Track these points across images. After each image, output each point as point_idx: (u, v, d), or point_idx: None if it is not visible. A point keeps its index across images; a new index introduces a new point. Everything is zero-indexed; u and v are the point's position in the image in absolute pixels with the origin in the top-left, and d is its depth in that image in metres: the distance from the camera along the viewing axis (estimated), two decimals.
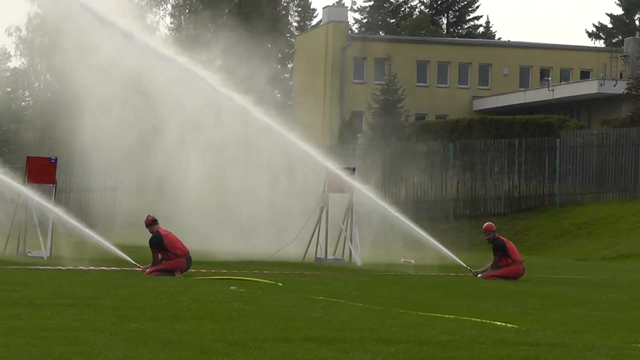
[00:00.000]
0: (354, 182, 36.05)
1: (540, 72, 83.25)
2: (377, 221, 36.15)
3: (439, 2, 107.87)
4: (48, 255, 30.82)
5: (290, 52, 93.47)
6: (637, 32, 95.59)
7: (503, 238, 29.63)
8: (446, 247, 33.63)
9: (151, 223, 26.46)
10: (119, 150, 40.16)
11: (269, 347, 13.03)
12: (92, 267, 28.21)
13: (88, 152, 39.85)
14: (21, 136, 39.51)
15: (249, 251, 35.64)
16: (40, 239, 31.60)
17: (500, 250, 28.43)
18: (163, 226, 26.94)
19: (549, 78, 79.03)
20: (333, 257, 34.60)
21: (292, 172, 41.96)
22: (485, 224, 30.56)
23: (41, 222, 31.98)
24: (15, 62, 76.76)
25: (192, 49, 39.92)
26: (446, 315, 18.35)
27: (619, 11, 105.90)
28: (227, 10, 79.93)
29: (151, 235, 26.42)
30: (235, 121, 37.58)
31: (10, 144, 40.09)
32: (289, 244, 34.62)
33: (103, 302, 18.60)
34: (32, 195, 31.20)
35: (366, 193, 36.13)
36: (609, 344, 14.37)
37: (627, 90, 64.33)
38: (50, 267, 28.32)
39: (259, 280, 25.52)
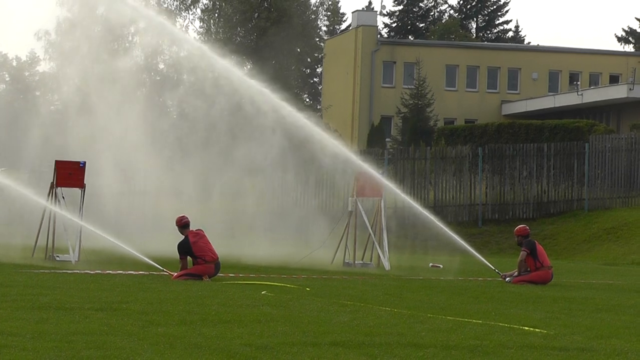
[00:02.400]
0: (390, 185, 36.46)
1: (570, 77, 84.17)
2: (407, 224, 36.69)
3: (468, 7, 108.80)
4: (76, 260, 30.74)
5: (320, 56, 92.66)
6: None
7: (534, 240, 29.48)
8: (475, 250, 33.73)
9: (182, 225, 26.35)
10: (150, 155, 40.88)
11: (296, 351, 12.98)
12: (120, 272, 28.11)
13: (119, 156, 40.26)
14: (50, 140, 39.67)
15: (278, 256, 35.07)
16: (69, 243, 31.31)
17: (529, 247, 28.34)
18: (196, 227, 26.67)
19: (578, 82, 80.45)
20: (361, 262, 34.37)
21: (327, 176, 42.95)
22: (519, 226, 30.51)
23: (70, 226, 31.62)
24: (45, 66, 78.00)
25: (222, 53, 40.41)
26: (474, 320, 18.31)
27: None
28: (256, 14, 79.36)
29: (182, 237, 26.22)
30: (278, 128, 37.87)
31: (38, 148, 40.40)
32: (318, 248, 34.46)
33: (131, 306, 18.54)
34: (56, 209, 31.08)
35: (402, 195, 37.47)
36: (637, 348, 14.44)
37: None
38: (78, 271, 28.09)
39: (286, 285, 25.28)
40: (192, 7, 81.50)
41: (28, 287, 22.04)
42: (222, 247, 28.10)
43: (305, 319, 17.60)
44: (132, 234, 34.21)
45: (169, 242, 28.51)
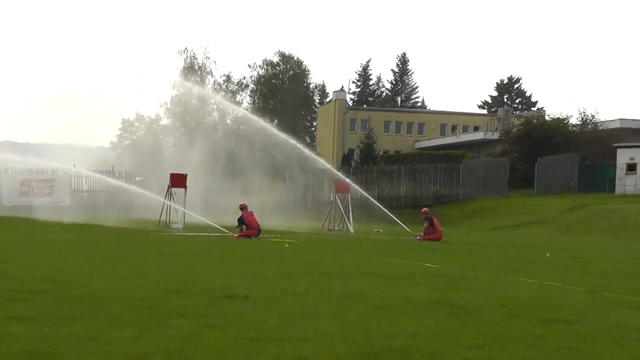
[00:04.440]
0: (354, 185, 48.66)
1: (452, 127, 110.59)
2: (363, 208, 48.64)
3: (396, 89, 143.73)
4: (182, 227, 39.65)
5: (315, 116, 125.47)
6: (505, 105, 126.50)
7: (433, 217, 37.92)
8: (400, 222, 43.39)
9: (241, 208, 34.74)
10: (220, 169, 56.66)
11: (302, 278, 16.82)
12: (205, 234, 35.34)
13: (204, 170, 52.53)
14: (168, 162, 50.72)
15: (292, 225, 44.99)
16: (177, 218, 40.92)
17: (429, 221, 36.81)
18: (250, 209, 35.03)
19: (457, 130, 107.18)
20: (338, 228, 44.78)
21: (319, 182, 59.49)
22: (424, 208, 41.76)
23: (178, 209, 41.04)
24: (164, 121, 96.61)
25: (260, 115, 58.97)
26: (399, 260, 23.40)
27: (495, 93, 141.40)
28: (280, 93, 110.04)
29: (240, 214, 34.29)
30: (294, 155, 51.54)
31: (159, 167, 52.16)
32: (323, 223, 45.65)
33: (210, 252, 24.07)
34: (168, 202, 40.96)
35: (359, 190, 49.61)
36: (489, 276, 18.69)
37: (499, 137, 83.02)
38: (182, 234, 35.30)
39: (294, 241, 31.51)
40: (244, 89, 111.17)
41: (156, 242, 28.55)
42: (261, 220, 35.57)
43: (306, 260, 22.26)
44: (212, 214, 42.52)
45: (232, 219, 36.31)
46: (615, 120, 76.70)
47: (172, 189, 41.33)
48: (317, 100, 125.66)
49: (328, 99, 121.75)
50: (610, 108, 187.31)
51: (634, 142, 62.79)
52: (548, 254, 27.86)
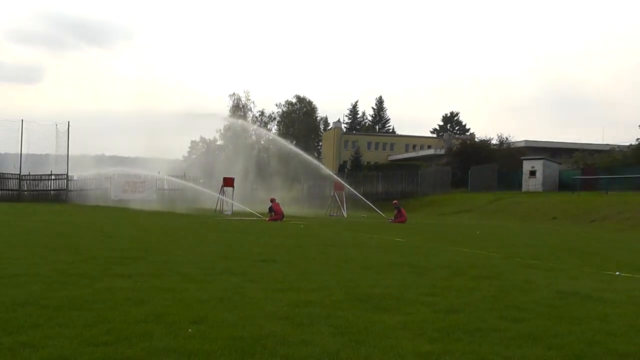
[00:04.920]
0: (346, 186, 48.74)
1: (413, 146, 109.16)
2: (353, 201, 48.71)
3: (375, 120, 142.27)
4: (230, 214, 39.24)
5: (320, 139, 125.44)
6: (448, 131, 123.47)
7: (400, 206, 38.23)
8: (378, 209, 44.72)
9: (271, 200, 35.45)
10: (255, 175, 57.12)
11: (310, 249, 16.71)
12: (247, 218, 35.54)
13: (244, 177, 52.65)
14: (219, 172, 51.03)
15: (304, 213, 44.53)
16: (228, 207, 40.57)
17: (398, 210, 37.15)
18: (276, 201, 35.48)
19: (416, 148, 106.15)
20: (336, 214, 44.51)
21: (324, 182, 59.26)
22: (394, 200, 42.15)
23: (228, 202, 40.73)
24: (219, 142, 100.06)
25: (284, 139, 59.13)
26: (375, 236, 24.12)
27: (441, 123, 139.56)
28: (297, 123, 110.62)
29: (270, 204, 35.05)
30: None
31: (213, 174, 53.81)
32: (326, 211, 45.73)
33: (250, 231, 24.37)
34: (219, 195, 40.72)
35: (351, 188, 49.67)
36: (439, 246, 18.83)
37: (444, 153, 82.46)
38: (231, 218, 35.80)
39: (306, 223, 32.41)
40: (272, 121, 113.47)
41: (213, 224, 28.93)
42: (284, 209, 35.95)
43: (314, 235, 22.98)
44: (250, 205, 41.84)
45: (264, 208, 37.17)
46: (522, 141, 76.81)
47: (224, 187, 41.26)
48: (322, 128, 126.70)
49: (329, 127, 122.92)
50: (519, 132, 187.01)
51: (534, 155, 62.90)
52: (478, 232, 27.90)
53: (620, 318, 8.12)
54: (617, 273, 13.09)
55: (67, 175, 58.76)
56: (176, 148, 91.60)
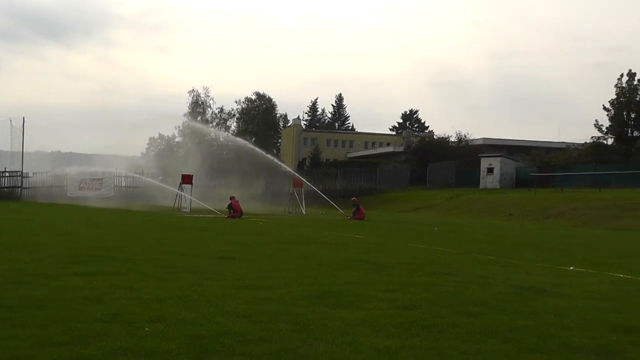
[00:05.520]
0: (306, 182, 49.48)
1: (372, 143, 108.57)
2: (312, 198, 49.35)
3: (335, 117, 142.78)
4: (189, 211, 39.12)
5: (279, 136, 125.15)
6: (408, 128, 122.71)
7: (359, 203, 38.65)
8: (337, 206, 45.45)
9: (230, 198, 35.04)
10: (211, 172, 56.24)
11: (269, 245, 17.04)
12: (206, 215, 35.85)
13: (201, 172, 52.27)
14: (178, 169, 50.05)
15: (263, 210, 44.14)
16: (186, 204, 40.43)
17: (356, 207, 37.42)
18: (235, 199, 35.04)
19: (375, 145, 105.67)
20: (295, 211, 44.22)
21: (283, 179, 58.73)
22: (353, 197, 42.04)
23: (187, 198, 40.44)
24: (178, 139, 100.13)
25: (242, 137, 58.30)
26: (335, 232, 24.39)
27: (401, 120, 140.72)
28: (256, 120, 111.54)
29: (229, 202, 34.71)
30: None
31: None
32: (286, 208, 45.09)
33: (210, 228, 25.20)
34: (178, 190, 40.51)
35: (310, 185, 50.41)
36: (397, 243, 19.73)
37: (403, 150, 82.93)
38: (190, 215, 36.01)
39: (265, 220, 32.18)
40: (232, 117, 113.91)
41: (172, 221, 29.06)
42: (243, 206, 35.85)
43: (273, 232, 23.57)
44: (209, 202, 41.75)
45: (223, 205, 36.82)
46: (480, 138, 77.56)
47: (183, 184, 41.03)
48: (281, 125, 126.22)
49: (289, 124, 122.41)
50: (477, 130, 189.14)
51: (492, 153, 63.63)
52: (436, 228, 28.24)
53: (574, 312, 8.27)
54: (571, 268, 13.41)
55: (22, 173, 58.06)
56: (134, 145, 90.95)
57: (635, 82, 64.73)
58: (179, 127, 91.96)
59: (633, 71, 65.26)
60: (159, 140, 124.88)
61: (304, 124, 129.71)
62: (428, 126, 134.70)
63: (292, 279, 10.30)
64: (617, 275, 12.49)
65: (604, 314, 8.22)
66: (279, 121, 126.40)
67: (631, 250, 19.61)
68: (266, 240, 18.60)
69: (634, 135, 63.72)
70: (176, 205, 40.81)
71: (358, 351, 6.00)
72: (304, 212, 43.11)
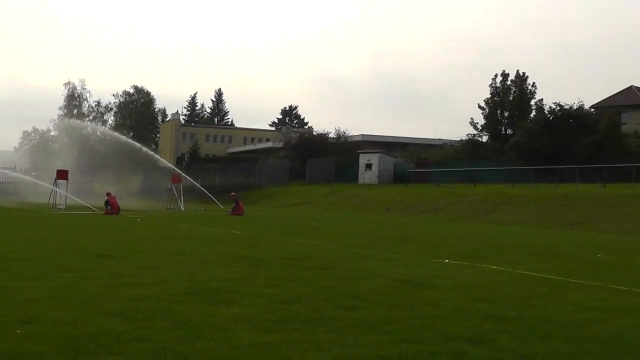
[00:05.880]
0: (186, 176, 48.78)
1: (252, 139, 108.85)
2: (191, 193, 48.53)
3: (214, 112, 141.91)
4: (64, 208, 37.48)
5: (158, 130, 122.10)
6: (287, 124, 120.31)
7: (238, 199, 38.55)
8: (217, 201, 44.88)
9: (107, 194, 34.63)
10: (87, 166, 54.67)
11: (147, 242, 17.85)
12: (84, 212, 34.68)
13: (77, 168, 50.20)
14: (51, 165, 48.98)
15: (140, 206, 42.35)
16: (62, 201, 38.92)
17: (235, 202, 37.37)
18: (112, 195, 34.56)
19: (254, 141, 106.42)
20: (173, 207, 43.72)
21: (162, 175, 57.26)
22: (232, 193, 42.51)
23: (62, 194, 39.12)
24: (53, 133, 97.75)
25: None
26: (212, 228, 24.98)
27: (280, 116, 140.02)
28: (134, 114, 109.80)
29: (106, 198, 34.37)
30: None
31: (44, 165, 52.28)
32: (163, 204, 44.79)
33: (89, 225, 27.07)
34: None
35: (190, 179, 49.39)
36: (275, 238, 19.95)
37: (283, 146, 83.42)
38: (65, 212, 35.03)
39: (142, 217, 31.43)
40: (109, 111, 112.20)
41: (47, 218, 28.69)
42: (121, 202, 35.78)
43: (151, 229, 23.77)
44: (85, 198, 39.57)
45: (100, 201, 36.12)
46: (359, 135, 79.00)
47: (58, 180, 39.85)
48: (160, 120, 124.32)
49: (167, 119, 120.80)
50: (356, 127, 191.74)
51: (370, 149, 64.80)
52: (315, 223, 28.72)
53: (449, 303, 8.56)
54: (447, 260, 13.90)
55: None
56: (6, 139, 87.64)
57: (509, 82, 67.92)
58: (54, 120, 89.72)
59: (507, 72, 68.21)
60: (33, 134, 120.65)
61: (183, 119, 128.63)
62: (307, 122, 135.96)
63: (170, 276, 10.22)
64: (490, 267, 13.00)
65: (477, 304, 8.53)
66: (157, 116, 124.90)
67: (503, 243, 20.35)
68: (144, 236, 18.47)
69: (507, 133, 66.03)
70: (51, 201, 39.64)
71: (237, 347, 6.02)
72: (182, 209, 42.64)
